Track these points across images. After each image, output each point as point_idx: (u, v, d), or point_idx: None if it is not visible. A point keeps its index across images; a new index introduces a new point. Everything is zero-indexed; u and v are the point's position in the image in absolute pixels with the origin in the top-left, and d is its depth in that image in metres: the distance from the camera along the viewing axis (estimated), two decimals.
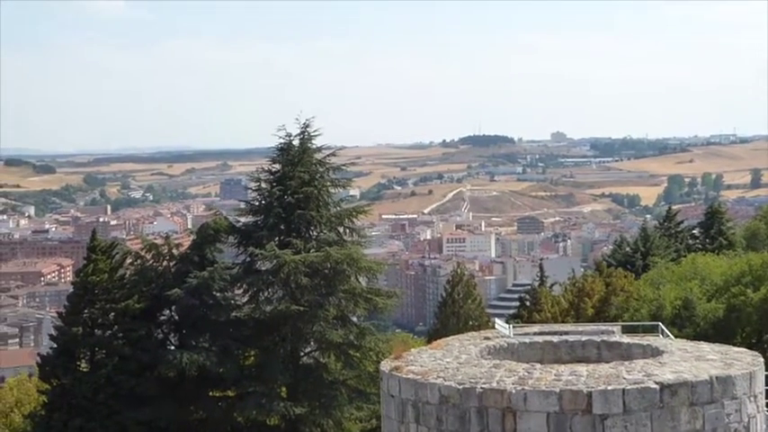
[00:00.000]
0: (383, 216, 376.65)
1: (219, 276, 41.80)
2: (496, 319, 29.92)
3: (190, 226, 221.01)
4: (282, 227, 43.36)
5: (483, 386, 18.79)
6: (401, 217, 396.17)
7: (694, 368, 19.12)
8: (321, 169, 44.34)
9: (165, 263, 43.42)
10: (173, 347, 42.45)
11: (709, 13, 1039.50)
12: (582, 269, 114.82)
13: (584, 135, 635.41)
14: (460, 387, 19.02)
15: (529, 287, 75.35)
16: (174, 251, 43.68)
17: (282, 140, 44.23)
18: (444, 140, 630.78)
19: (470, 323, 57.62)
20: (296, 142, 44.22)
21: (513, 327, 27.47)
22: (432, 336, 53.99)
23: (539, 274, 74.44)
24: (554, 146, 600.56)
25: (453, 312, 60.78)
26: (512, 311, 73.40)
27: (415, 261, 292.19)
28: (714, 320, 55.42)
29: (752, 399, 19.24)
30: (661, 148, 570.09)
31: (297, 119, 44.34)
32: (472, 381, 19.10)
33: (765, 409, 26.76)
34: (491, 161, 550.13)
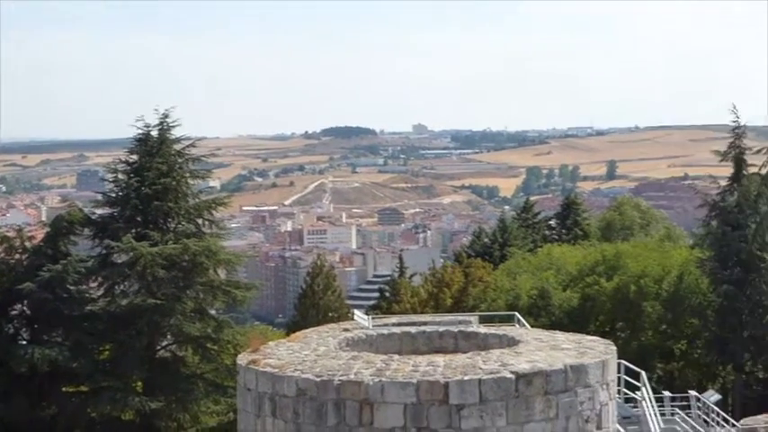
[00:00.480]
0: (244, 208, 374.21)
1: (74, 269, 40.90)
2: (356, 311, 29.94)
3: (44, 218, 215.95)
4: (139, 219, 42.70)
5: (340, 378, 18.73)
6: (262, 209, 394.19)
7: (549, 357, 19.38)
8: (180, 160, 43.78)
9: (17, 256, 42.31)
10: (24, 342, 41.39)
11: (567, 9, 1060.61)
12: (441, 260, 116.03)
13: (445, 127, 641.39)
14: (318, 380, 18.93)
15: (389, 278, 75.79)
16: (27, 244, 42.62)
17: (141, 131, 43.54)
18: (306, 132, 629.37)
19: (330, 315, 57.65)
20: (154, 133, 43.57)
21: (373, 318, 27.49)
22: (291, 328, 53.85)
23: (398, 266, 74.91)
24: (415, 138, 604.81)
25: (313, 304, 60.74)
26: (372, 302, 73.73)
27: (275, 253, 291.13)
28: (569, 309, 56.58)
29: (604, 387, 19.61)
30: (520, 141, 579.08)
31: (156, 109, 43.70)
32: (330, 373, 19.02)
33: (617, 396, 27.35)
34: (353, 153, 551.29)
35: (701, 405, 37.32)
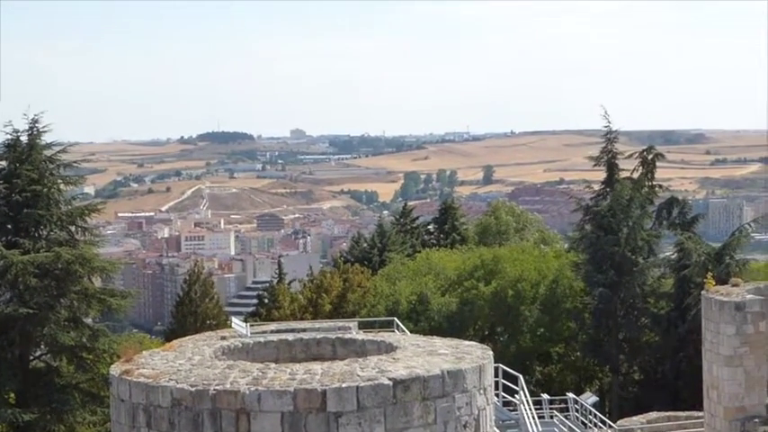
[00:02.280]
0: (119, 214, 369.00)
1: None
2: (233, 318, 29.54)
3: None
4: (10, 226, 41.61)
5: (216, 388, 18.39)
6: (138, 215, 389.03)
7: (427, 363, 19.32)
8: (51, 166, 42.74)
9: None
10: None
11: (439, 11, 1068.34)
12: (321, 265, 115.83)
13: (324, 132, 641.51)
14: (193, 389, 18.55)
15: (268, 284, 75.34)
16: None
17: (9, 137, 42.45)
18: (182, 137, 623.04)
19: (208, 322, 57.10)
20: (24, 138, 42.50)
21: (251, 325, 27.17)
22: (169, 336, 53.07)
23: (277, 272, 74.52)
24: (294, 143, 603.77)
25: (191, 312, 60.07)
26: (251, 309, 73.17)
27: (152, 260, 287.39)
28: (448, 314, 56.93)
29: (481, 391, 19.60)
30: (398, 146, 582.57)
31: (25, 114, 42.61)
32: (205, 383, 18.67)
33: (495, 400, 27.47)
34: (230, 158, 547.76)
35: (578, 407, 37.84)
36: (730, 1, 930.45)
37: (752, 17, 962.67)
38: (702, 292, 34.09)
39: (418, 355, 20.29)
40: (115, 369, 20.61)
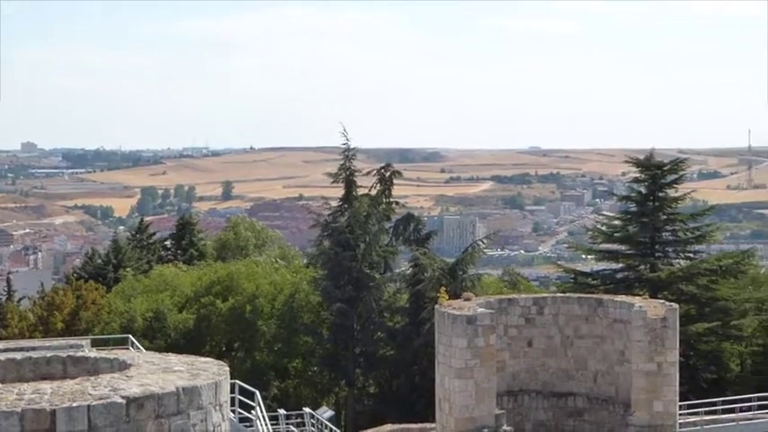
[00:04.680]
0: None
1: None
2: None
3: None
4: None
5: None
6: None
7: (161, 380, 18.92)
8: None
9: None
10: None
11: (195, 30, 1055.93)
12: (53, 282, 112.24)
13: (57, 145, 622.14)
14: None
15: None
16: None
17: None
18: None
19: None
20: None
21: None
22: None
23: (6, 289, 71.71)
24: (24, 156, 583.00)
25: None
26: None
27: None
28: (185, 331, 56.27)
29: (217, 408, 19.37)
30: (135, 160, 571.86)
31: None
32: None
33: (232, 416, 27.22)
34: None
35: (314, 422, 38.04)
36: (461, 29, 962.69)
37: (479, 45, 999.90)
38: (436, 307, 34.89)
39: (153, 372, 19.86)
40: None
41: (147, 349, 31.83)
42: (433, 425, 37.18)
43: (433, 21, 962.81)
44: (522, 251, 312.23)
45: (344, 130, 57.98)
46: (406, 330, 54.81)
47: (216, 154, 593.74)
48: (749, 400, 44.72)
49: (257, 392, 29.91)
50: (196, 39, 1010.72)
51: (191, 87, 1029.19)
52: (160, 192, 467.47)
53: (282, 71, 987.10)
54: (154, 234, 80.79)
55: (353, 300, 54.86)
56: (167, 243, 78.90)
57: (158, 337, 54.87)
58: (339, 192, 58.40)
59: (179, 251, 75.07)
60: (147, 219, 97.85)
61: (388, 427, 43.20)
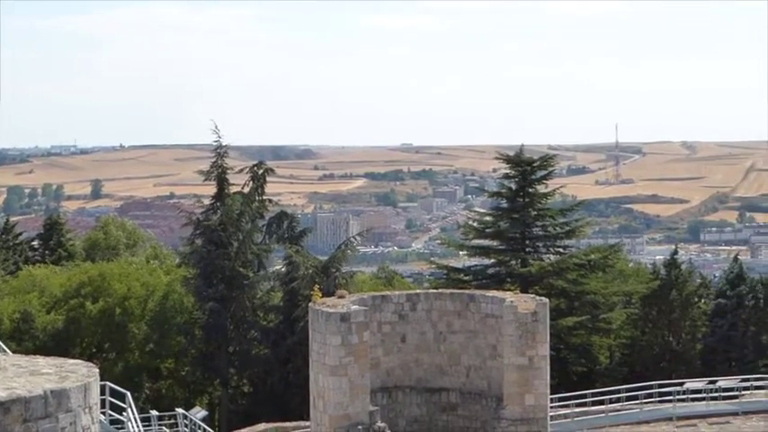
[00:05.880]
0: None
1: None
2: None
3: None
4: None
5: None
6: None
7: (29, 383, 18.52)
8: None
9: None
10: None
11: (61, 26, 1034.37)
12: None
13: None
14: None
15: None
16: None
17: None
18: None
19: None
20: None
21: None
22: None
23: None
24: None
25: None
26: None
27: None
28: (54, 332, 55.21)
29: (86, 410, 19.02)
30: (0, 159, 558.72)
31: None
32: None
33: (102, 418, 26.76)
34: None
35: (187, 422, 37.65)
36: (332, 26, 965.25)
37: (351, 43, 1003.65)
38: (310, 305, 34.85)
39: (20, 375, 19.42)
40: None
41: (14, 352, 31.12)
42: (307, 423, 37.13)
43: (304, 18, 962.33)
44: (396, 248, 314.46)
45: (216, 128, 57.54)
46: (279, 329, 54.65)
47: (84, 152, 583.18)
48: (618, 391, 45.67)
49: (128, 394, 29.48)
50: (61, 35, 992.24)
51: (57, 84, 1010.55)
52: (27, 191, 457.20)
53: (152, 67, 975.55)
54: (20, 234, 78.95)
55: (227, 299, 54.46)
56: (34, 243, 77.22)
57: (26, 340, 53.74)
58: (211, 190, 57.85)
59: (47, 251, 73.55)
60: (14, 219, 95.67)
61: (263, 426, 43.04)
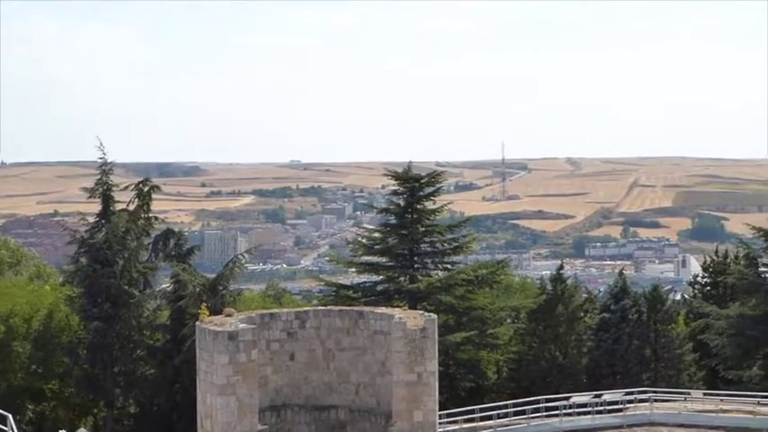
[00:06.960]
0: None
1: None
2: None
3: None
4: None
5: None
6: None
7: None
8: None
9: None
10: None
11: None
12: None
13: None
14: None
15: None
16: None
17: None
18: None
19: None
20: None
21: None
22: None
23: None
24: None
25: None
26: None
27: None
28: None
29: None
30: None
31: None
32: None
33: None
34: None
35: None
36: (211, 46, 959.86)
37: (232, 61, 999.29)
38: (197, 323, 34.48)
39: None
40: None
41: None
42: None
43: (183, 38, 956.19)
44: (285, 265, 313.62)
45: (101, 144, 56.65)
46: (166, 348, 53.96)
47: None
48: (506, 406, 46.07)
49: (10, 416, 28.80)
50: None
51: None
52: None
53: (33, 83, 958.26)
54: None
55: (112, 318, 53.58)
56: None
57: None
58: (96, 207, 56.89)
59: None
60: None
61: None
